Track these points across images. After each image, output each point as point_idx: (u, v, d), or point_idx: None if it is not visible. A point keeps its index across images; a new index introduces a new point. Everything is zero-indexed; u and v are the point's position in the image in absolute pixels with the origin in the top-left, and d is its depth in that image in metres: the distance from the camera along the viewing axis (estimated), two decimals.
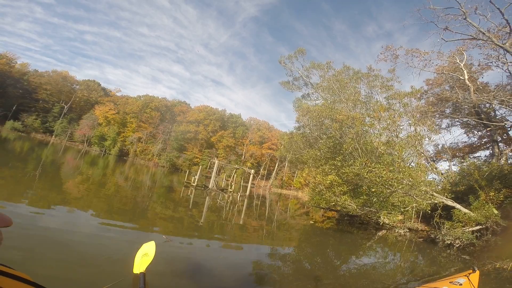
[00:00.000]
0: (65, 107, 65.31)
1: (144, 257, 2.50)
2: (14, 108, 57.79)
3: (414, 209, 9.41)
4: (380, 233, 9.56)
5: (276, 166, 61.63)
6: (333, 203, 10.11)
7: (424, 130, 9.23)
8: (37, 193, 5.56)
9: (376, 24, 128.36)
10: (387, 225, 10.03)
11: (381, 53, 13.68)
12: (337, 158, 9.61)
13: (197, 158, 60.27)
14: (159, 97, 73.13)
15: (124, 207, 6.34)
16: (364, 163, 7.90)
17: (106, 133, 62.93)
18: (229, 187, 22.33)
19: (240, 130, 67.42)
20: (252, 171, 26.01)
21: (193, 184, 19.36)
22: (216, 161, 23.35)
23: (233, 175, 24.96)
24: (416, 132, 8.65)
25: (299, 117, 13.43)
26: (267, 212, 12.89)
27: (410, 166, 8.59)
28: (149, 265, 2.37)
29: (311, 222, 11.23)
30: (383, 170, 7.36)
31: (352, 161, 8.73)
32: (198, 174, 21.54)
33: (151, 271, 2.46)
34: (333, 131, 10.19)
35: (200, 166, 26.76)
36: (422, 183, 7.73)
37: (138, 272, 2.27)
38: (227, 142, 64.64)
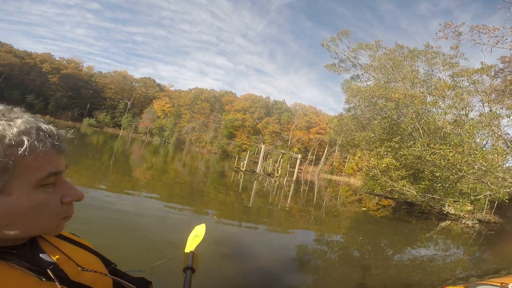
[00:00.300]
0: (128, 103, 73.84)
1: (195, 238, 2.76)
2: (88, 106, 67.89)
3: (487, 198, 8.18)
4: (443, 224, 8.61)
5: (325, 151, 59.72)
6: (389, 189, 9.42)
7: (502, 109, 7.81)
8: (112, 180, 6.52)
9: (429, 2, 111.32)
10: (452, 215, 8.97)
11: (439, 31, 11.65)
12: (394, 139, 8.86)
13: (246, 144, 62.24)
14: (208, 89, 77.27)
15: (183, 192, 7.02)
16: (426, 144, 7.11)
17: (165, 124, 69.38)
18: (276, 172, 22.63)
19: (285, 116, 67.35)
20: (299, 155, 25.73)
21: (242, 169, 20.25)
22: (263, 146, 23.78)
23: (279, 160, 25.09)
24: (491, 111, 7.38)
25: (349, 98, 12.70)
26: (315, 198, 12.73)
27: (484, 149, 7.40)
28: (199, 245, 2.63)
29: (363, 209, 10.72)
30: (450, 151, 6.52)
31: (411, 142, 7.94)
32: (246, 160, 22.33)
33: (200, 251, 2.73)
34: (388, 111, 9.38)
35: (248, 152, 27.61)
36: (499, 169, 6.63)
37: (189, 251, 2.53)
38: (273, 128, 65.34)
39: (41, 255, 0.63)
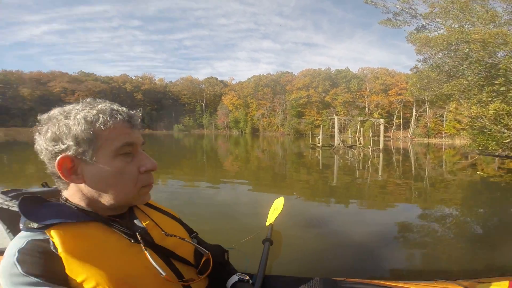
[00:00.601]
0: (203, 104, 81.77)
1: (274, 211, 2.87)
2: (173, 114, 78.48)
3: None
4: None
5: (414, 111, 51.74)
6: (509, 140, 7.54)
7: None
8: (208, 174, 7.49)
9: None
10: None
11: None
12: (496, 82, 7.17)
13: (317, 120, 60.42)
14: (264, 74, 78.53)
15: (267, 176, 7.46)
16: None
17: (237, 116, 73.93)
18: (358, 142, 21.15)
19: (354, 83, 61.81)
20: (382, 121, 23.18)
21: (318, 145, 19.90)
22: (336, 118, 22.55)
23: (359, 129, 23.17)
24: None
25: (419, 48, 10.76)
26: (413, 167, 11.26)
27: None
28: (277, 217, 2.73)
29: (478, 173, 8.78)
30: None
31: None
32: (320, 135, 21.86)
33: (283, 225, 2.89)
34: (475, 54, 7.64)
35: (321, 127, 26.62)
36: None
37: (268, 224, 2.61)
38: (343, 98, 61.06)
39: (135, 221, 0.78)
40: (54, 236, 0.66)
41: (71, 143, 0.67)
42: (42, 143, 0.68)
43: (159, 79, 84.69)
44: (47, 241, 0.66)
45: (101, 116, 0.68)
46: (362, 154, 15.89)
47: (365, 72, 63.90)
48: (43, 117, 0.70)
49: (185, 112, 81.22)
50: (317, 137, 22.38)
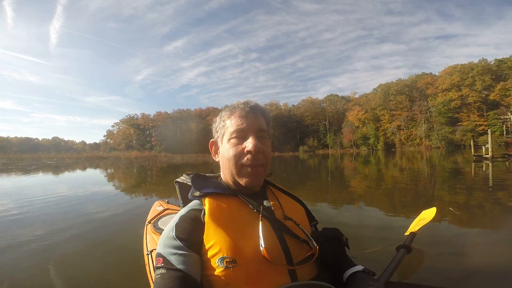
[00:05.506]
0: (326, 123, 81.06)
1: (420, 221, 2.63)
2: (298, 136, 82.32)
3: None
4: None
5: None
6: None
7: None
8: (332, 194, 7.23)
9: None
10: None
11: None
12: None
13: (482, 126, 45.62)
14: (394, 81, 68.64)
15: (404, 199, 6.29)
16: None
17: (366, 132, 67.93)
18: None
19: None
20: None
21: (487, 156, 15.56)
22: None
23: None
24: None
25: None
26: None
27: None
28: (423, 227, 2.48)
29: None
30: None
31: None
32: (489, 143, 16.73)
33: (424, 235, 2.60)
34: None
35: (489, 133, 19.98)
36: None
37: (409, 233, 2.33)
38: None
39: (264, 200, 0.92)
40: (206, 204, 0.84)
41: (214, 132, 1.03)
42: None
43: (283, 104, 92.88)
44: (200, 211, 0.85)
45: (236, 108, 0.96)
46: None
47: None
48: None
49: (309, 133, 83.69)
50: (484, 146, 17.65)
